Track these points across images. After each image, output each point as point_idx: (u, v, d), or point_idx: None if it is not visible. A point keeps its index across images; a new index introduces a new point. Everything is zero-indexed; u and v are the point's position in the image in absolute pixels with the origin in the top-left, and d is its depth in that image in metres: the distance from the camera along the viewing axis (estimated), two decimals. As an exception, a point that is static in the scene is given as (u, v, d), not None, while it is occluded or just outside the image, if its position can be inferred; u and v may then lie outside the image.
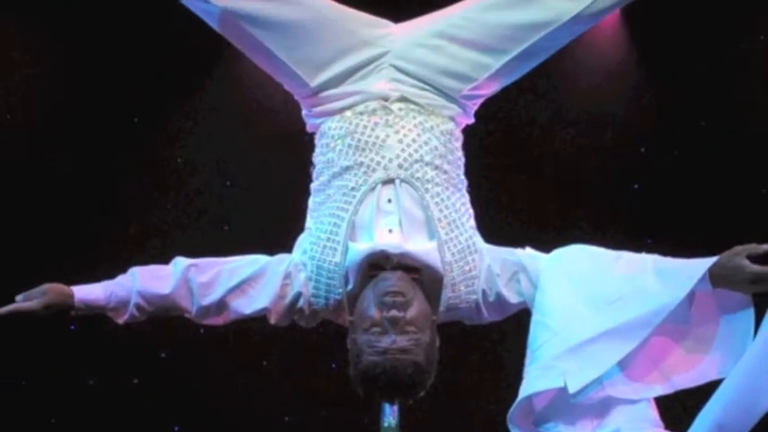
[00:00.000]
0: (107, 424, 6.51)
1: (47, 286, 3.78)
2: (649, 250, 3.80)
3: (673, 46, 6.80)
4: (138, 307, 3.82)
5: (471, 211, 3.94)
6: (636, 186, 6.92)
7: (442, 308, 3.79)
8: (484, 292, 3.81)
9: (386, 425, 5.32)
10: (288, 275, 3.85)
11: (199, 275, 3.82)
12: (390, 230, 3.79)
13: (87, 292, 3.80)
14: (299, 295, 3.85)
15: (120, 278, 3.85)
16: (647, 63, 6.95)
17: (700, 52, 6.78)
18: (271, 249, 3.89)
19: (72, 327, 6.21)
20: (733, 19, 6.73)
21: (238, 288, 3.86)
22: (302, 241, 3.90)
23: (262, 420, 6.60)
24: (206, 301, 3.82)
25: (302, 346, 6.39)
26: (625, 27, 6.84)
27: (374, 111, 3.92)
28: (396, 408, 5.31)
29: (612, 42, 6.85)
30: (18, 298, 3.75)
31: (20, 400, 6.42)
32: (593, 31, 5.49)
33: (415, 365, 3.67)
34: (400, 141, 3.88)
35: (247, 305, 3.86)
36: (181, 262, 3.86)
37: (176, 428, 6.67)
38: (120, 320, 3.84)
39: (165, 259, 3.85)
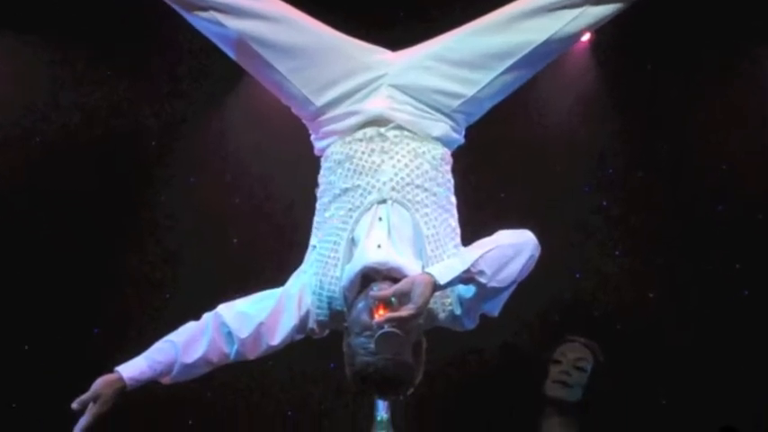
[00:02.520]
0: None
1: (97, 386, 3.48)
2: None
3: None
4: (180, 373, 3.59)
5: (458, 230, 3.74)
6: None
7: (424, 314, 3.49)
8: (459, 298, 3.57)
9: (379, 419, 4.93)
10: (300, 300, 3.59)
11: (228, 319, 3.58)
12: (379, 246, 3.53)
13: (133, 369, 3.54)
14: (307, 314, 3.60)
15: (161, 348, 3.58)
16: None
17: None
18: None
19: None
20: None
21: (264, 325, 3.56)
22: (308, 257, 3.71)
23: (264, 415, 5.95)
24: (243, 334, 3.55)
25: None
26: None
27: (371, 138, 3.71)
28: (388, 403, 4.91)
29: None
30: (74, 406, 3.46)
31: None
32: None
33: (403, 365, 3.41)
34: (393, 166, 3.67)
35: (274, 337, 3.57)
36: (208, 316, 3.61)
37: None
38: (166, 382, 3.64)
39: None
